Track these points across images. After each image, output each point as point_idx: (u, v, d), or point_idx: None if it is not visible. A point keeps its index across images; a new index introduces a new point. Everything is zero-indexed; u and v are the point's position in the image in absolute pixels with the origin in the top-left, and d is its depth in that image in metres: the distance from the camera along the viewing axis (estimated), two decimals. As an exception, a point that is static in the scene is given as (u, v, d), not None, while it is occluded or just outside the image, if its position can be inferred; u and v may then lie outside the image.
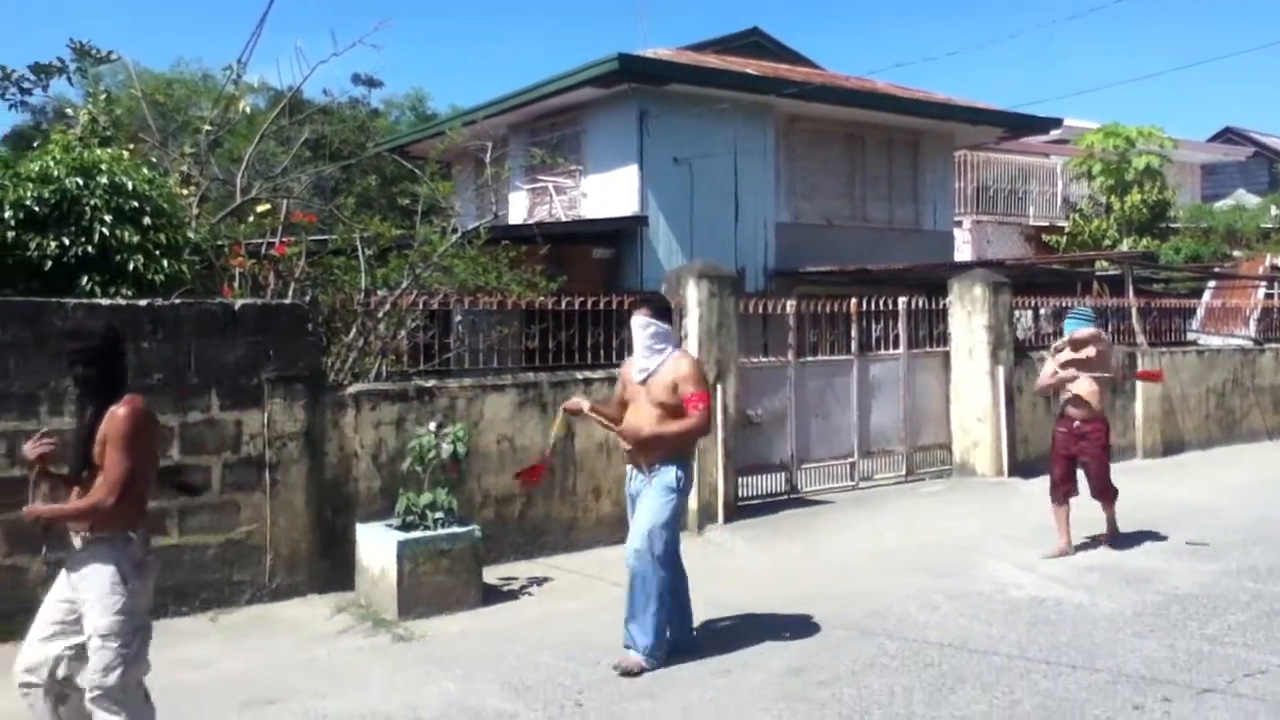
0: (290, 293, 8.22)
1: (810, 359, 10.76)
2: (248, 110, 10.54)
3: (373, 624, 6.72)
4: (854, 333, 11.03)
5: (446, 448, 7.18)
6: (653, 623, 5.71)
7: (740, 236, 16.54)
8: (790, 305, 10.59)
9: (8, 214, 6.96)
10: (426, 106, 33.13)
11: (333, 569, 7.37)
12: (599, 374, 9.03)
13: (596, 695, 5.33)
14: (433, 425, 7.39)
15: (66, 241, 7.04)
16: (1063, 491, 8.32)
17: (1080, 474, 8.40)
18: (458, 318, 9.78)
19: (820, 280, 16.13)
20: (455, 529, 7.12)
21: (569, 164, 16.31)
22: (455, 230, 10.19)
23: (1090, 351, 8.29)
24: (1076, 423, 8.29)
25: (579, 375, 8.91)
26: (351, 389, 7.72)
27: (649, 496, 5.80)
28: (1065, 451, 8.34)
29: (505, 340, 9.40)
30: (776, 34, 19.26)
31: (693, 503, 9.23)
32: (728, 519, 9.31)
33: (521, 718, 5.08)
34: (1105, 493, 8.42)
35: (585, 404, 6.30)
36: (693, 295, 9.55)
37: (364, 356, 8.46)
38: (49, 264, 6.99)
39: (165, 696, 5.37)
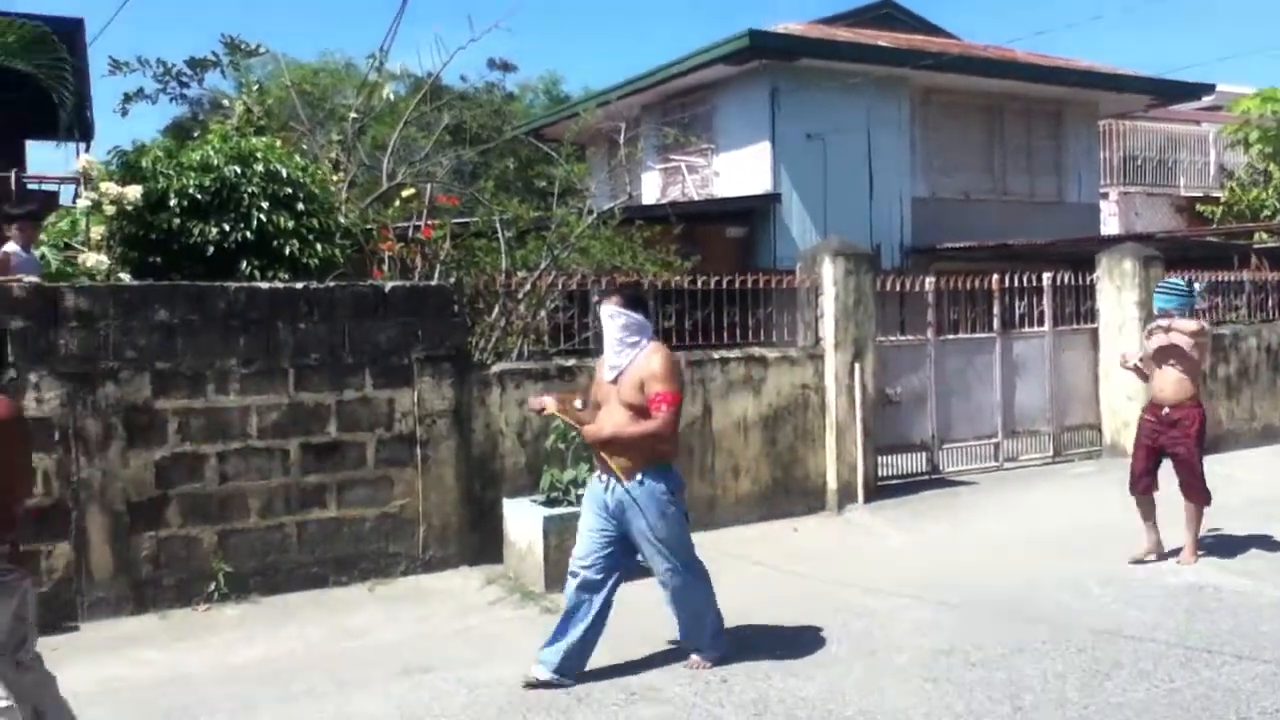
0: (436, 274, 8.45)
1: (950, 337, 10.57)
2: (391, 97, 10.85)
3: (521, 596, 6.89)
4: (996, 309, 10.77)
5: (589, 425, 7.27)
6: (715, 622, 5.55)
7: (875, 213, 16.27)
8: (929, 282, 10.40)
9: (173, 202, 7.35)
10: (560, 89, 33.54)
11: (482, 542, 7.59)
12: (734, 353, 9.04)
13: (740, 671, 5.35)
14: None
15: (227, 228, 7.39)
16: (1143, 486, 7.35)
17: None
18: (595, 298, 9.90)
19: (958, 256, 15.77)
20: (598, 505, 7.22)
21: (701, 143, 16.27)
22: (590, 211, 10.31)
23: (1186, 341, 7.19)
24: (1166, 409, 7.27)
25: (715, 355, 8.94)
26: (496, 368, 7.91)
27: (647, 517, 5.26)
28: (1149, 441, 7.34)
29: (643, 320, 9.46)
30: (910, 5, 18.88)
31: (831, 482, 9.22)
32: (867, 499, 9.24)
33: (668, 691, 5.13)
34: (1195, 491, 7.26)
35: (551, 402, 5.74)
36: (829, 273, 9.47)
37: (506, 336, 8.65)
38: (211, 249, 7.35)
39: (330, 663, 5.67)
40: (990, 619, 6.14)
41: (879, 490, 9.49)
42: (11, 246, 6.95)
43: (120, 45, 45.82)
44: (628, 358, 5.27)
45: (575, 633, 5.31)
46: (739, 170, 16.06)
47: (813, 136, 15.47)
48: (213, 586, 6.75)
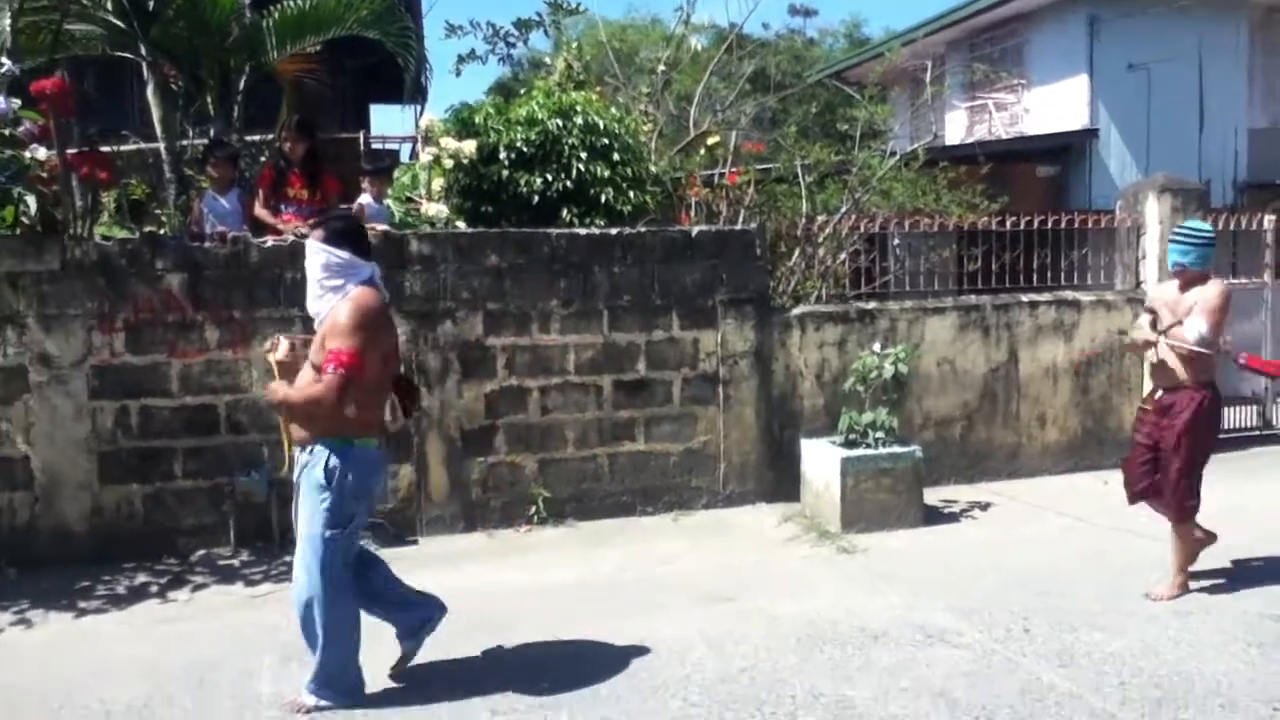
0: (740, 219, 8.64)
1: (1291, 281, 9.66)
2: (696, 48, 11.09)
3: (817, 535, 7.03)
4: (1349, 251, 9.72)
5: (889, 368, 7.27)
6: (320, 660, 4.38)
7: (1205, 147, 15.02)
8: (1269, 220, 9.54)
9: (502, 155, 7.92)
10: (861, 33, 32.89)
11: (778, 481, 7.79)
12: (1044, 296, 8.70)
13: (1043, 622, 5.25)
14: (876, 346, 7.52)
15: (549, 177, 7.88)
16: (1135, 491, 5.82)
17: None
18: (895, 241, 9.80)
19: (1304, 193, 14.31)
20: (896, 448, 7.24)
21: (1010, 79, 15.56)
22: (893, 153, 10.15)
23: (1194, 299, 5.45)
24: (1160, 392, 5.66)
25: (1024, 298, 8.64)
26: (796, 310, 8.02)
27: (302, 494, 4.34)
28: (1143, 437, 5.73)
29: (945, 263, 9.30)
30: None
31: (1148, 435, 8.70)
32: (1189, 453, 8.67)
33: (967, 636, 5.12)
34: (1175, 503, 5.59)
35: (283, 346, 4.49)
36: (1153, 212, 8.89)
37: (805, 280, 8.74)
38: (535, 198, 7.87)
39: (637, 587, 6.04)
40: (1329, 586, 5.69)
41: (1203, 445, 8.88)
42: (365, 199, 7.74)
43: (447, 10, 48.80)
44: (327, 304, 4.30)
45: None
46: (1052, 106, 15.25)
47: (1135, 67, 14.44)
48: (533, 510, 7.34)
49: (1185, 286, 5.53)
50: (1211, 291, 5.42)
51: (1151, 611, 5.37)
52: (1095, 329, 8.71)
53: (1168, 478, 5.59)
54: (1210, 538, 5.83)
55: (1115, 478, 8.40)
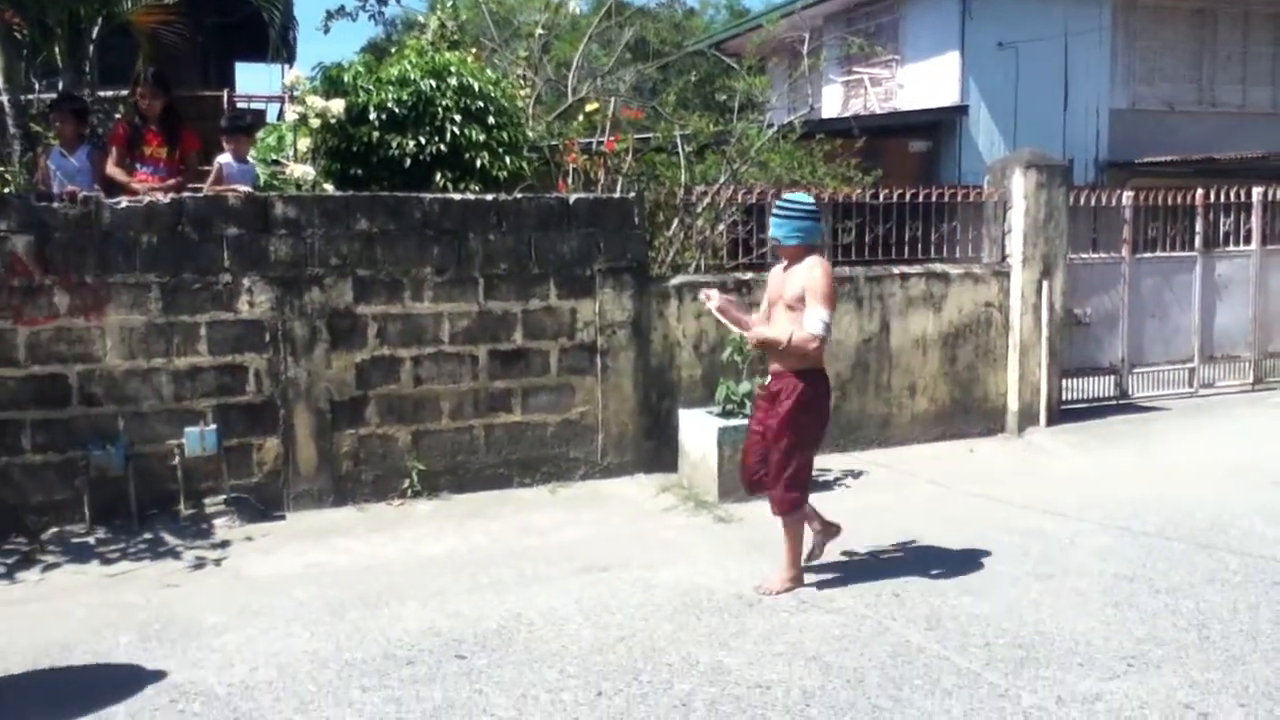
0: (618, 188, 8.57)
1: (1147, 255, 10.06)
2: (576, 13, 10.94)
3: (695, 505, 7.06)
4: (1199, 227, 10.18)
5: (765, 339, 7.31)
6: None
7: (1069, 125, 15.58)
8: (1127, 197, 9.91)
9: (372, 116, 7.66)
10: (740, 3, 33.03)
11: (657, 451, 7.79)
12: (915, 269, 8.88)
13: (913, 586, 5.37)
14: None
15: (423, 140, 7.66)
16: (750, 480, 5.54)
17: None
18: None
19: (1158, 171, 14.95)
20: (773, 418, 7.29)
21: (885, 53, 15.84)
22: (770, 125, 10.20)
23: (800, 282, 5.11)
24: (769, 378, 5.44)
25: (895, 270, 8.80)
26: (674, 280, 8.01)
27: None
28: (756, 424, 5.51)
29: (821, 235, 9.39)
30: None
31: (1012, 404, 9.02)
32: (1050, 422, 9.01)
33: (839, 601, 5.19)
34: (777, 495, 5.32)
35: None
36: (1019, 186, 9.14)
37: (684, 250, 8.73)
38: (408, 162, 7.64)
39: (513, 559, 5.97)
40: (1178, 548, 5.95)
41: (1062, 414, 9.22)
42: (225, 158, 7.40)
43: (314, -35, 47.18)
44: None
45: None
46: (924, 82, 15.57)
47: (1005, 45, 14.86)
48: (406, 483, 7.17)
49: (790, 265, 5.23)
50: (817, 274, 5.07)
51: (1014, 575, 5.53)
52: (963, 301, 8.93)
53: (769, 468, 5.31)
54: (832, 530, 5.71)
55: (981, 445, 8.78)
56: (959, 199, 9.42)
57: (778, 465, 5.25)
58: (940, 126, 15.31)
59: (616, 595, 5.30)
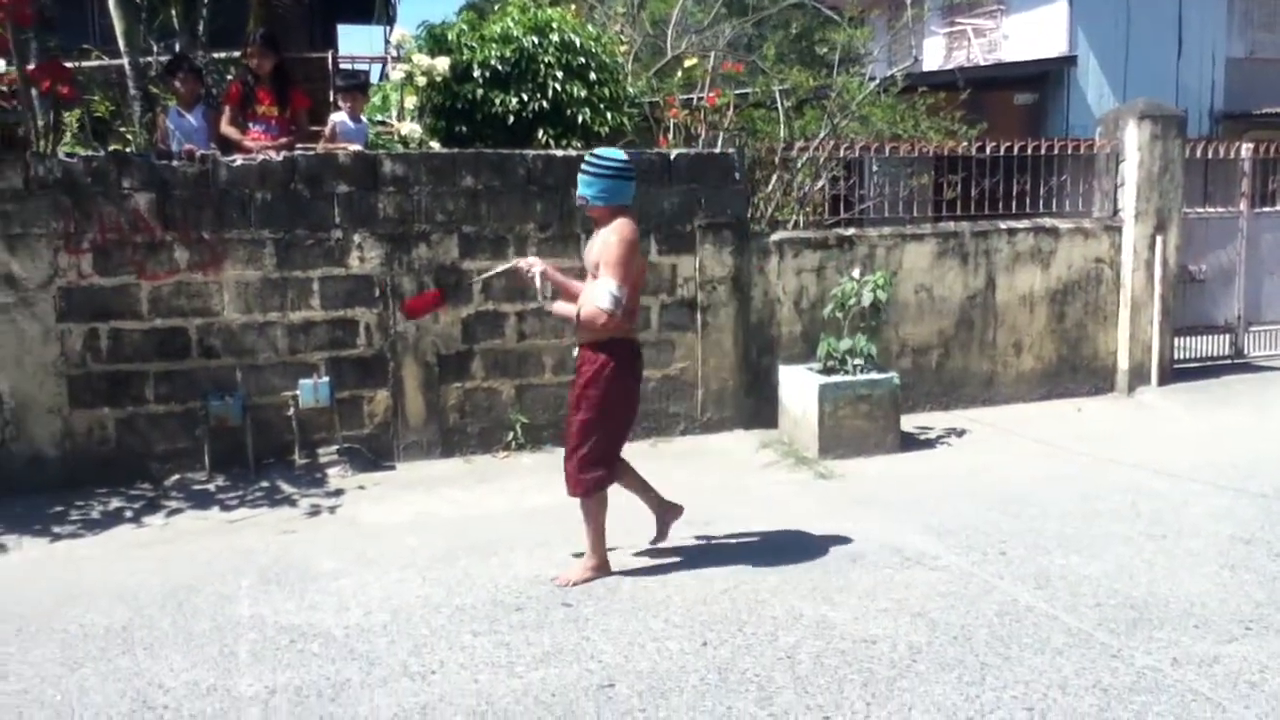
0: (719, 143, 8.53)
1: (1266, 209, 9.68)
2: (673, -34, 10.87)
3: (795, 461, 7.06)
4: (1325, 180, 9.76)
5: (867, 295, 7.25)
6: None
7: (1183, 75, 14.99)
8: (1246, 148, 9.53)
9: (476, 73, 7.73)
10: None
11: (756, 407, 7.79)
12: (1023, 224, 8.68)
13: (1019, 545, 5.30)
14: (855, 272, 7.48)
15: (525, 97, 7.72)
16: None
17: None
18: (874, 167, 9.72)
19: (1278, 123, 14.30)
20: (874, 375, 7.24)
21: (990, 3, 15.37)
22: (872, 78, 10.03)
23: (599, 248, 4.69)
24: (575, 351, 4.96)
25: (1002, 225, 8.61)
26: (775, 236, 7.96)
27: None
28: (571, 399, 4.98)
29: (923, 189, 9.26)
30: None
31: (1122, 362, 8.81)
32: (1161, 381, 8.77)
33: (944, 559, 5.15)
34: (571, 475, 4.89)
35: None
36: (1132, 138, 8.85)
37: (782, 206, 8.67)
38: (511, 118, 7.71)
39: (616, 511, 6.02)
40: (1298, 510, 5.77)
41: (1174, 373, 8.97)
42: (339, 116, 7.55)
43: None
44: None
45: None
46: (1030, 32, 15.10)
47: (1117, -8, 14.29)
48: (510, 436, 7.31)
49: (598, 227, 4.78)
50: (612, 240, 4.58)
51: (1125, 535, 5.42)
52: (1072, 256, 8.71)
53: (567, 445, 4.90)
54: (672, 511, 5.34)
55: (1089, 405, 8.59)
56: (1069, 152, 9.15)
57: (573, 442, 4.81)
58: (1047, 78, 14.86)
59: (719, 548, 5.34)
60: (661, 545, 5.35)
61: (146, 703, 3.73)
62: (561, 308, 4.89)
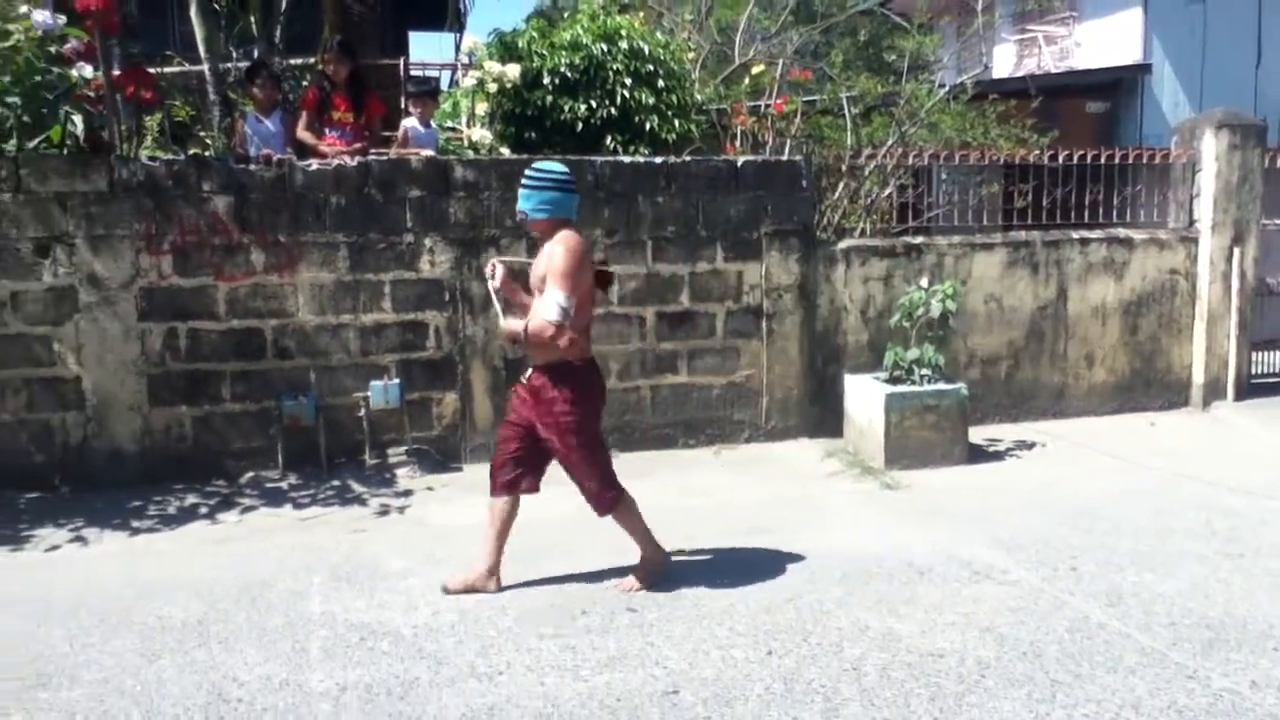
0: (786, 150, 8.51)
1: (1349, 223, 9.43)
2: (741, -27, 10.89)
3: (860, 471, 7.01)
4: None
5: (936, 305, 7.18)
6: None
7: (1262, 84, 14.64)
8: (1330, 160, 9.29)
9: (546, 80, 7.81)
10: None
11: (821, 416, 7.76)
12: (1095, 234, 8.54)
13: (1091, 561, 5.21)
14: (924, 281, 7.42)
15: (594, 104, 7.78)
16: (501, 481, 4.83)
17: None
18: (943, 175, 9.64)
19: (1365, 133, 13.90)
20: (942, 385, 7.18)
21: (1062, 10, 15.16)
22: (941, 86, 9.94)
23: (544, 262, 4.55)
24: (529, 371, 4.72)
25: (1074, 235, 8.48)
26: (842, 244, 7.92)
27: None
28: (517, 419, 4.78)
29: (993, 198, 9.16)
30: None
31: (1197, 376, 8.64)
32: (1238, 396, 8.60)
33: (1013, 573, 5.09)
34: (593, 499, 4.83)
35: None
36: (1209, 148, 8.68)
37: (849, 214, 8.62)
38: (579, 125, 7.77)
39: (680, 518, 6.04)
40: (1384, 531, 5.61)
41: (1251, 388, 8.77)
42: (410, 122, 7.66)
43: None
44: None
45: None
46: (1103, 39, 14.87)
47: (1192, -1, 14.00)
48: (575, 440, 7.34)
49: (542, 241, 4.62)
50: (558, 252, 4.44)
51: (1200, 553, 5.31)
52: (1146, 267, 8.56)
53: (573, 476, 4.78)
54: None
55: (1163, 419, 8.43)
56: (1143, 161, 9.00)
57: (581, 472, 4.71)
58: (1120, 86, 14.61)
59: (784, 558, 5.31)
60: (723, 551, 5.35)
61: (221, 695, 3.81)
62: (509, 324, 4.67)
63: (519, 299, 4.80)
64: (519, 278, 4.86)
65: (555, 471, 4.61)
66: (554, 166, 4.66)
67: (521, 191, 4.58)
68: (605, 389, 4.90)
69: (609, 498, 4.79)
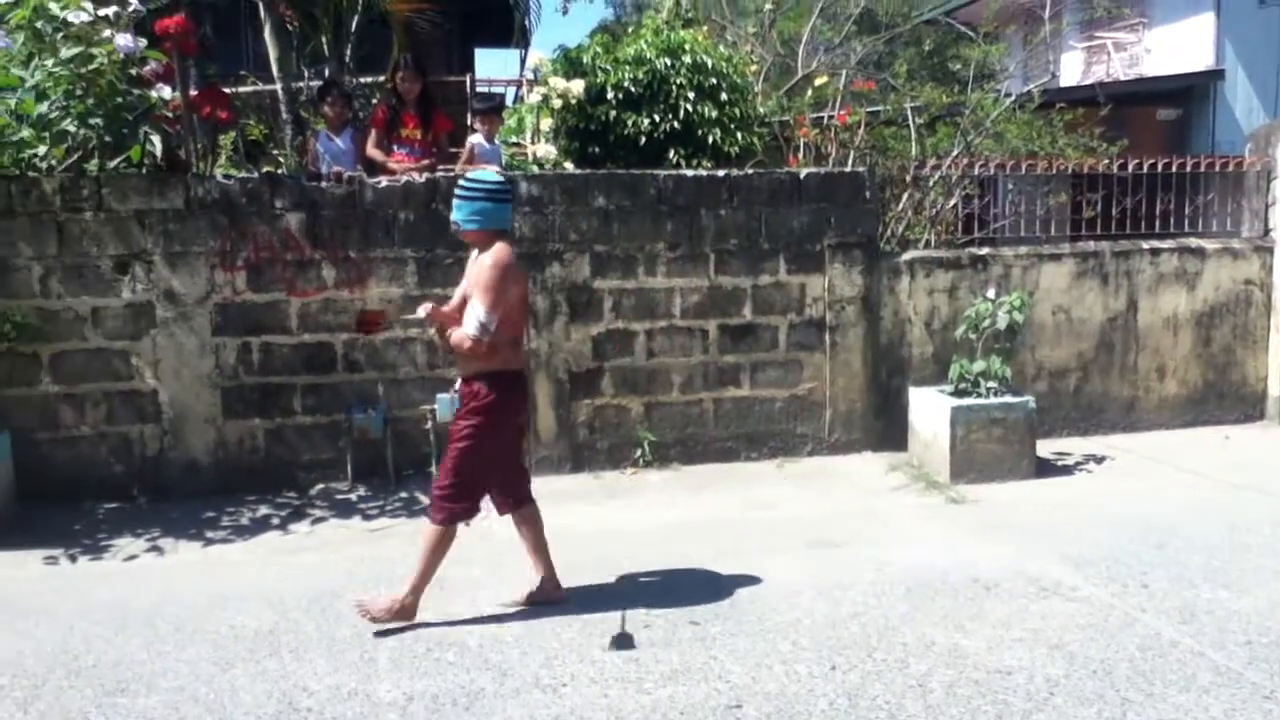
0: (849, 162, 8.49)
1: None
2: (804, -14, 10.90)
3: (925, 484, 6.95)
4: None
5: (1003, 317, 7.10)
6: None
7: (1340, 88, 14.24)
8: None
9: (610, 95, 7.88)
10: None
11: (885, 429, 7.70)
12: (1167, 244, 8.39)
13: (1163, 577, 5.12)
14: (990, 293, 7.35)
15: (657, 118, 7.84)
16: (498, 502, 5.00)
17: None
18: (1009, 185, 9.54)
19: None
20: (1009, 398, 7.09)
21: (1131, 17, 14.92)
22: (1007, 95, 9.85)
23: (473, 276, 4.58)
24: (457, 382, 4.77)
25: (1144, 245, 8.34)
26: (906, 256, 7.87)
27: None
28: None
29: (1060, 208, 9.04)
30: None
31: (1274, 389, 8.49)
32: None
33: (1082, 590, 5.02)
34: (435, 498, 4.71)
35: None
36: (1287, 156, 8.49)
37: (913, 225, 8.57)
38: (643, 139, 7.83)
39: (744, 531, 6.05)
40: None
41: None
42: (476, 138, 7.77)
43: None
44: None
45: None
46: (1174, 46, 14.60)
47: (1266, 4, 13.71)
48: (638, 453, 7.38)
49: (479, 253, 4.58)
50: (485, 263, 4.46)
51: (1278, 569, 5.19)
52: (1219, 278, 8.38)
53: (439, 469, 4.80)
54: (552, 591, 4.93)
55: (1237, 433, 8.25)
56: (1216, 169, 8.82)
57: (448, 469, 4.64)
58: (1191, 93, 14.33)
59: (848, 572, 5.29)
60: (786, 564, 5.34)
61: (292, 705, 3.90)
62: (433, 333, 4.79)
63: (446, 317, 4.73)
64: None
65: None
66: (488, 176, 4.66)
67: (454, 202, 4.56)
68: (527, 403, 4.95)
69: (447, 509, 4.63)
